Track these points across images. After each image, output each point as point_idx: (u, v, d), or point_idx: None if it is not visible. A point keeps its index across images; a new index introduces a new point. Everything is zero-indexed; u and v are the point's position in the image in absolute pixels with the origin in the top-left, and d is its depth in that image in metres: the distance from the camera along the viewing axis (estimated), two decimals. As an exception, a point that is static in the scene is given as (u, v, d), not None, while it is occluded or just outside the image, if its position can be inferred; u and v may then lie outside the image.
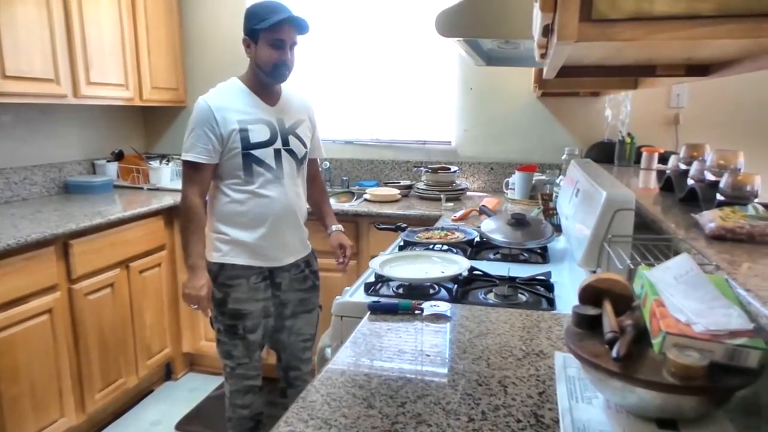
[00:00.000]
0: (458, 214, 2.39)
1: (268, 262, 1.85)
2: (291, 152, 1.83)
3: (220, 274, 1.81)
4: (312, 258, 2.01)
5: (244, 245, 1.80)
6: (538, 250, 1.84)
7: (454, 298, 1.38)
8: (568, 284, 1.51)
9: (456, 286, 1.45)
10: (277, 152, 1.79)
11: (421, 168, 3.01)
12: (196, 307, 1.78)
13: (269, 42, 1.70)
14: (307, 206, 2.00)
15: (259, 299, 1.85)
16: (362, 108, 3.26)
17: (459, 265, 1.52)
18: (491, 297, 1.40)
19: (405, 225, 2.12)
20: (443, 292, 1.43)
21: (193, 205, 1.75)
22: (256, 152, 1.76)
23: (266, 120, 1.79)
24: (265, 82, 1.79)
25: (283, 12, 1.69)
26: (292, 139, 1.84)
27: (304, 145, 1.89)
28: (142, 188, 3.03)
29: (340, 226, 2.06)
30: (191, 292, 1.74)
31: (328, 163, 3.23)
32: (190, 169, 1.74)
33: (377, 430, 0.79)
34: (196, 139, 1.72)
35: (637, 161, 2.54)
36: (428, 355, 1.05)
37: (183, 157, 1.74)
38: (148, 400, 2.74)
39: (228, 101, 1.76)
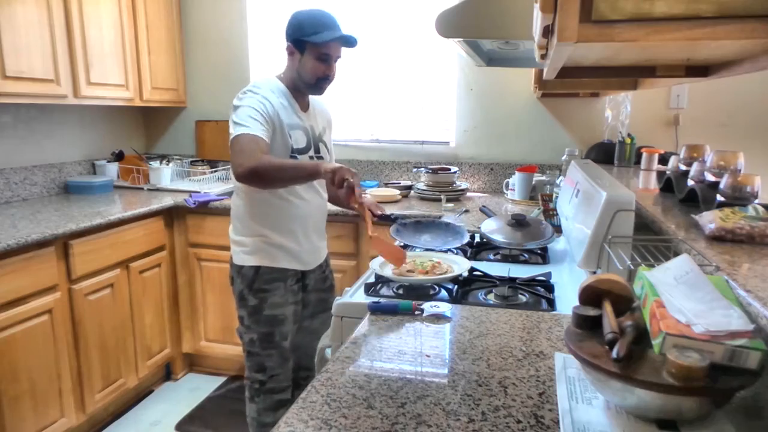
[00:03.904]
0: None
1: (303, 265, 1.87)
2: (320, 159, 1.86)
3: (256, 278, 1.79)
4: (328, 258, 2.06)
5: (282, 248, 1.80)
6: (538, 251, 1.84)
7: (454, 299, 1.38)
8: (568, 285, 1.51)
9: (456, 286, 1.45)
10: (311, 159, 1.81)
11: (421, 168, 3.01)
12: (350, 178, 1.50)
13: (316, 55, 1.70)
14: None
15: (292, 302, 1.85)
16: (362, 108, 3.26)
17: (459, 265, 1.52)
18: (491, 298, 1.40)
19: (397, 216, 1.99)
20: (443, 293, 1.43)
21: (257, 160, 1.55)
22: (298, 156, 1.77)
23: (303, 126, 1.80)
24: (302, 90, 1.80)
25: (334, 28, 1.69)
26: (321, 147, 1.87)
27: (328, 152, 1.92)
28: (142, 188, 3.03)
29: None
30: (329, 167, 1.52)
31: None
32: (251, 143, 1.59)
33: (377, 431, 0.79)
34: (250, 115, 1.62)
35: (637, 162, 2.54)
36: (428, 356, 1.05)
37: (240, 131, 1.60)
38: (148, 400, 2.74)
39: (275, 99, 1.73)
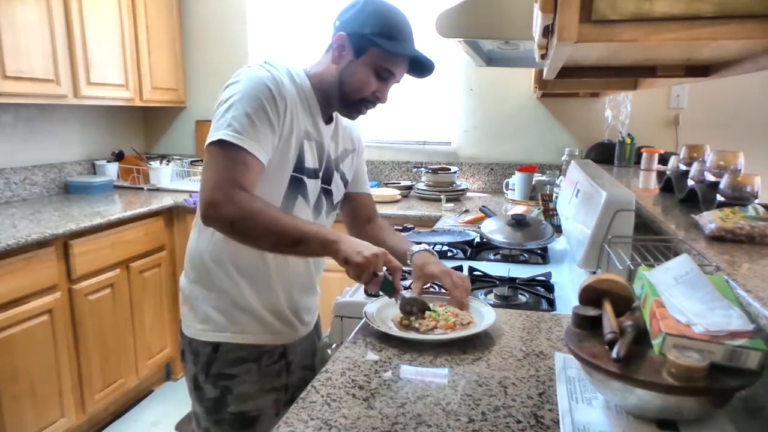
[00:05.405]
0: (467, 218, 2.38)
1: (285, 337, 1.31)
2: (328, 193, 1.32)
3: (215, 360, 1.23)
4: (319, 317, 1.50)
5: (254, 313, 1.24)
6: (538, 251, 1.84)
7: (454, 299, 1.37)
8: (568, 285, 1.51)
9: (456, 286, 1.44)
10: (318, 190, 1.28)
11: (422, 168, 3.01)
12: (372, 274, 1.09)
13: (375, 65, 1.18)
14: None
15: (269, 389, 1.28)
16: (362, 108, 3.26)
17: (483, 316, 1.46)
18: (491, 298, 1.40)
19: (411, 226, 2.15)
20: (443, 293, 1.43)
21: (248, 198, 1.06)
22: (306, 180, 1.23)
23: (319, 141, 1.25)
24: (334, 98, 1.23)
25: (411, 42, 1.20)
26: (335, 176, 1.33)
27: (345, 186, 1.39)
28: (142, 188, 3.03)
29: (422, 245, 1.30)
30: (364, 252, 1.06)
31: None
32: (238, 159, 1.07)
33: (377, 431, 0.79)
34: (247, 112, 1.08)
35: (637, 162, 2.54)
36: (428, 356, 1.04)
37: (220, 136, 1.07)
38: (148, 400, 2.74)
39: (293, 90, 1.18)
